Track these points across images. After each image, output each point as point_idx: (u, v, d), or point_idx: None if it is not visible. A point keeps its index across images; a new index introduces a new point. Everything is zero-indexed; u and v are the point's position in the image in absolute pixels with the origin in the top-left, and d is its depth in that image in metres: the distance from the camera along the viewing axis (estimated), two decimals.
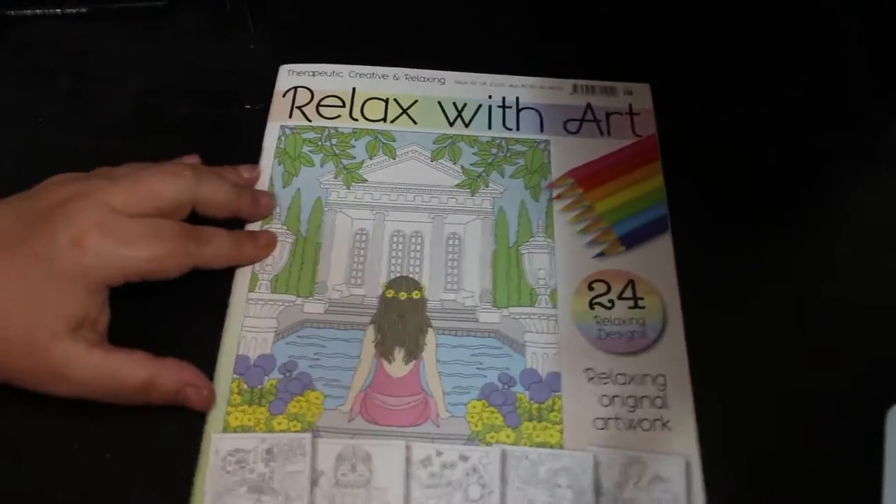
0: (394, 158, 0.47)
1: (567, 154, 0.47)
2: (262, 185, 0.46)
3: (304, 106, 0.49)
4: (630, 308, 0.42)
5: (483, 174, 0.47)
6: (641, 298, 0.42)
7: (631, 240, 0.44)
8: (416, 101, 0.49)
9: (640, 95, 0.50)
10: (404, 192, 0.46)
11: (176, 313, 0.42)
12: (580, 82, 0.50)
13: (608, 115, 0.49)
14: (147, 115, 0.50)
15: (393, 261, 0.44)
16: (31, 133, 0.49)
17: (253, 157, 0.47)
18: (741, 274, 0.44)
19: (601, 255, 0.44)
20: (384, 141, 0.48)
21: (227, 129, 0.49)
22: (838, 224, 0.47)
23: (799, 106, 0.50)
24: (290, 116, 0.49)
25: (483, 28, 0.54)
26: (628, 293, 0.42)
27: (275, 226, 0.45)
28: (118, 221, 0.38)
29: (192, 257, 0.40)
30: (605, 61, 0.51)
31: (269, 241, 0.44)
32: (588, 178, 0.46)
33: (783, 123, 0.49)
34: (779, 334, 0.42)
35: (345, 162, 0.47)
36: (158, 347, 0.39)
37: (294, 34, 0.54)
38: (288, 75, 0.50)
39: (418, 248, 0.44)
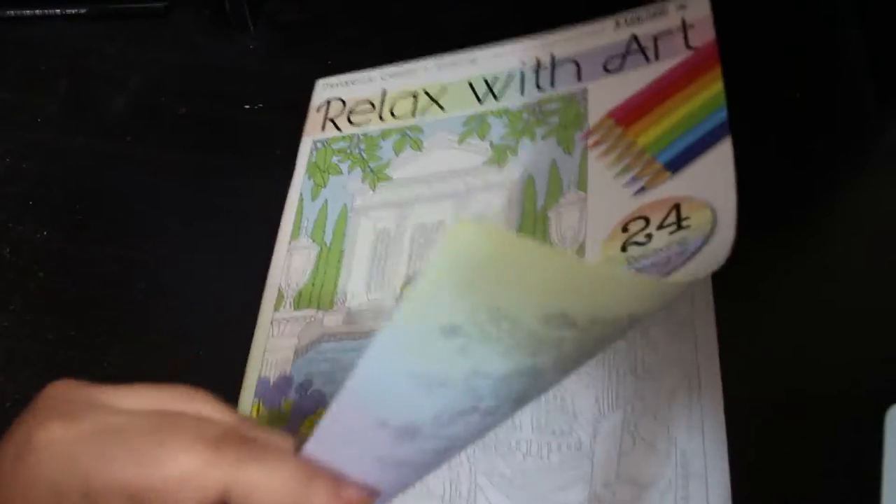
0: (420, 150, 0.46)
1: (607, 96, 0.44)
2: (292, 200, 0.45)
3: (336, 117, 0.48)
4: (671, 234, 0.38)
5: (512, 145, 0.44)
6: (686, 218, 0.38)
7: (680, 161, 0.40)
8: (445, 88, 0.48)
9: (695, 6, 0.46)
10: (430, 182, 0.44)
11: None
12: (623, 16, 0.47)
13: (656, 39, 0.45)
14: (146, 116, 0.50)
15: (413, 258, 0.42)
16: (31, 133, 0.49)
17: (252, 156, 0.47)
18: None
19: (642, 190, 0.40)
20: (411, 136, 0.46)
21: (227, 129, 0.49)
22: (839, 224, 0.47)
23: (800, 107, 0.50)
24: (323, 129, 0.47)
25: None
26: (671, 219, 0.38)
27: (302, 240, 0.43)
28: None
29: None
30: None
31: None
32: (630, 114, 0.43)
33: (784, 124, 0.49)
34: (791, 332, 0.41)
35: (371, 165, 0.46)
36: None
37: (293, 34, 0.54)
38: (323, 89, 0.49)
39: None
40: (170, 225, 0.45)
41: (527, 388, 0.26)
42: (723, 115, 0.40)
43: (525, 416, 0.37)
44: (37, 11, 0.53)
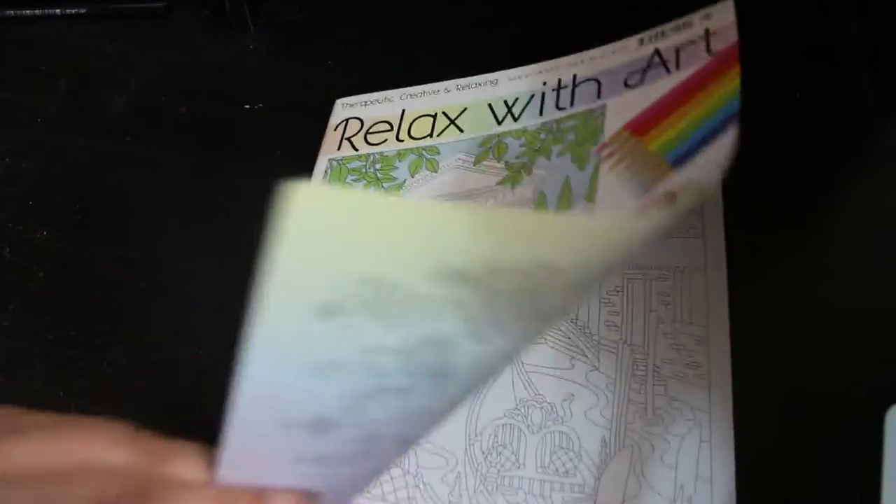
0: (436, 172, 0.45)
1: (625, 109, 0.44)
2: None
3: (353, 136, 0.47)
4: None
5: (527, 163, 0.44)
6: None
7: (686, 156, 0.40)
8: (464, 110, 0.47)
9: (720, 14, 0.45)
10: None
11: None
12: (648, 33, 0.47)
13: (678, 50, 0.45)
14: (146, 116, 0.50)
15: None
16: (31, 133, 0.49)
17: (252, 156, 0.47)
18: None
19: (644, 189, 0.40)
20: (428, 156, 0.46)
21: (227, 129, 0.49)
22: (839, 224, 0.47)
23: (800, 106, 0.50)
24: (339, 148, 0.47)
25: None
26: None
27: None
28: None
29: None
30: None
31: None
32: (645, 123, 0.43)
33: (784, 123, 0.49)
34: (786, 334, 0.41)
35: (385, 185, 0.45)
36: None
37: (293, 34, 0.54)
38: (342, 108, 0.49)
39: None
40: (170, 225, 0.45)
41: (443, 363, 0.24)
42: (734, 105, 0.39)
43: (529, 453, 0.37)
44: (37, 11, 0.53)
